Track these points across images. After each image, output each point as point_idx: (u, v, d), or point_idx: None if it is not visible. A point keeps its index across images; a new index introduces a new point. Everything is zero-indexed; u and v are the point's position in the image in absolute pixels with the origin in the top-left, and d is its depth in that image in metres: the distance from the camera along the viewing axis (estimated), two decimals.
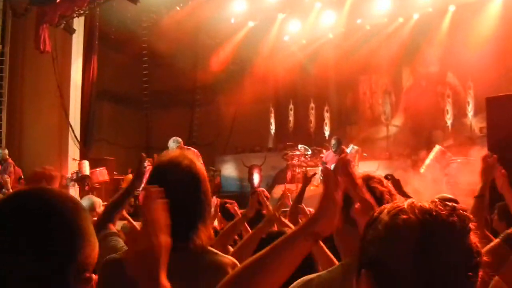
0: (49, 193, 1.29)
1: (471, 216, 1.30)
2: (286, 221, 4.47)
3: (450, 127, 16.82)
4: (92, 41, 18.64)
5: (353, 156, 14.17)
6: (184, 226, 2.32)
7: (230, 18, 19.56)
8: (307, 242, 1.67)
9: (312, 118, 19.86)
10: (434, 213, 1.27)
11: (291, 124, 20.50)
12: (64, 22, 17.00)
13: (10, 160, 14.64)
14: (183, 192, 2.35)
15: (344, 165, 1.84)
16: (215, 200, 8.09)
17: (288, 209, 6.15)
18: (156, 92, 22.08)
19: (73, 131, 17.63)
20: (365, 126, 19.23)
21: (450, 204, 1.31)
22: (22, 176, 15.38)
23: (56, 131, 17.66)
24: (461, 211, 1.29)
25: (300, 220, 5.28)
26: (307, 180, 5.47)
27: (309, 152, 17.18)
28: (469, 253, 1.26)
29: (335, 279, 2.11)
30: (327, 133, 19.08)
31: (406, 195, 5.16)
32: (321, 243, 3.11)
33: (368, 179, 2.31)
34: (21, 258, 1.18)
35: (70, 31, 17.47)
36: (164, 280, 1.41)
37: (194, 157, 2.50)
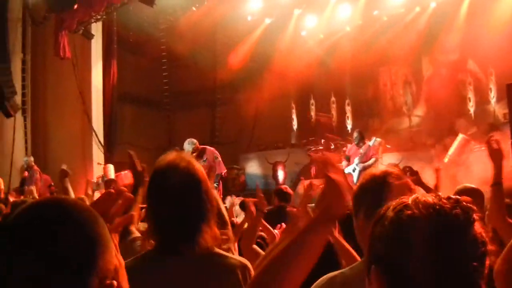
0: (65, 202, 1.29)
1: (475, 207, 1.33)
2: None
3: (473, 114, 16.63)
4: (110, 45, 18.79)
5: (376, 148, 14.09)
6: (187, 228, 2.34)
7: (246, 16, 19.56)
8: (326, 228, 1.69)
9: (334, 112, 19.79)
10: (437, 207, 1.30)
11: (313, 119, 20.44)
12: (83, 28, 17.15)
13: (35, 167, 14.80)
14: (183, 194, 2.37)
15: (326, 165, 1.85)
16: (234, 199, 8.14)
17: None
18: (177, 93, 22.15)
19: (96, 135, 17.79)
20: (387, 118, 19.13)
21: (453, 197, 1.35)
22: (52, 184, 15.62)
23: (80, 136, 17.82)
24: (464, 203, 1.32)
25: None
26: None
27: (332, 146, 17.16)
28: (474, 243, 1.28)
29: (358, 275, 2.12)
30: (349, 126, 19.00)
31: (425, 186, 5.13)
32: (344, 241, 3.13)
33: (386, 175, 2.33)
34: (42, 269, 1.18)
35: (89, 36, 17.62)
36: None
37: (192, 158, 2.50)
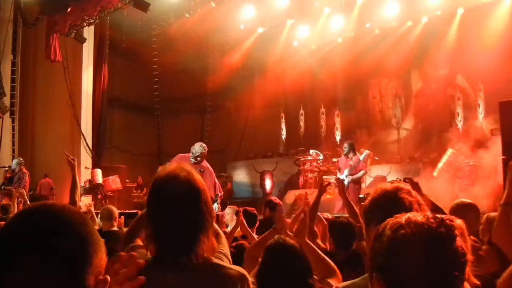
0: (54, 207, 1.35)
1: (456, 225, 1.58)
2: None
3: (460, 129, 16.76)
4: (102, 49, 18.77)
5: (365, 160, 14.14)
6: (185, 238, 2.33)
7: (239, 24, 19.61)
8: None
9: (323, 123, 19.85)
10: (426, 226, 1.55)
11: (302, 129, 20.49)
12: (75, 32, 17.12)
13: (24, 170, 14.71)
14: (182, 204, 2.35)
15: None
16: (233, 209, 8.14)
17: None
18: (167, 99, 22.14)
19: (85, 139, 17.74)
20: (375, 130, 19.22)
21: (439, 216, 1.59)
22: (53, 187, 15.67)
23: (68, 140, 17.75)
24: (448, 221, 1.57)
25: (315, 228, 5.32)
26: (322, 189, 5.48)
27: (321, 156, 17.20)
28: (455, 256, 1.53)
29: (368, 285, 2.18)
30: (338, 137, 19.07)
31: (425, 198, 5.15)
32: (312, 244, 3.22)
33: (397, 190, 2.38)
34: (40, 271, 1.25)
35: (81, 40, 17.57)
36: None
37: (192, 169, 2.48)
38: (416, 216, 1.59)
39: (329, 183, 5.96)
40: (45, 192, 16.15)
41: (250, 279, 2.45)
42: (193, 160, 10.40)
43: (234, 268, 2.46)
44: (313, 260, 3.23)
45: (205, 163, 10.86)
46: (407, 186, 2.45)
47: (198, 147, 10.85)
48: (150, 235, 2.40)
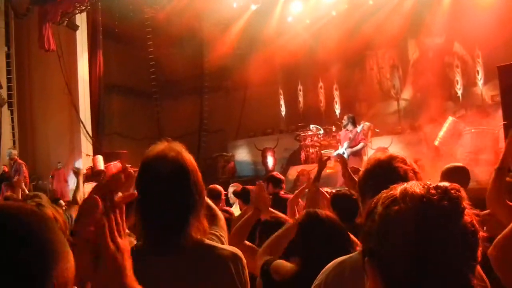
0: (7, 208, 1.18)
1: (464, 195, 1.32)
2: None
3: (460, 97, 16.70)
4: (96, 36, 18.66)
5: (365, 132, 14.12)
6: (175, 220, 2.26)
7: (232, 2, 19.44)
8: None
9: (322, 97, 19.79)
10: (425, 199, 1.29)
11: (301, 104, 20.44)
12: (67, 20, 17.01)
13: (19, 160, 14.73)
14: (171, 185, 2.28)
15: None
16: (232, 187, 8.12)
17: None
18: (164, 82, 22.09)
19: (84, 126, 17.71)
20: (375, 102, 19.14)
21: (442, 185, 1.33)
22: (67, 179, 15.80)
23: (68, 128, 17.76)
24: (453, 191, 1.31)
25: (320, 203, 5.29)
26: (322, 164, 5.43)
27: (321, 131, 17.18)
28: (464, 236, 1.28)
29: None
30: (337, 111, 19.03)
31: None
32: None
33: (391, 159, 2.33)
34: None
35: (74, 27, 17.48)
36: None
37: (182, 149, 2.39)
38: (414, 187, 1.34)
39: (329, 158, 5.92)
40: (59, 183, 16.24)
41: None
42: None
43: (226, 248, 2.39)
44: None
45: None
46: (401, 155, 2.40)
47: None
48: (139, 216, 2.34)
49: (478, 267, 2.34)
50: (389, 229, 1.30)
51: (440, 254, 1.25)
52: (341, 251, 2.87)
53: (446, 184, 1.34)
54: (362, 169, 2.48)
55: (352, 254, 2.38)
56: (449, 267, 1.26)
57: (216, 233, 2.81)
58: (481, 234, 1.31)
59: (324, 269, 2.38)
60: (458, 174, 4.73)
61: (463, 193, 1.32)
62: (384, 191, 1.41)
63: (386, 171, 2.29)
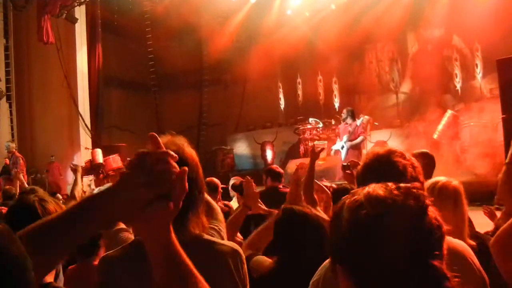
0: None
1: (425, 193, 1.36)
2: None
3: (459, 90, 16.69)
4: (95, 28, 18.63)
5: (364, 126, 14.13)
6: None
7: None
8: None
9: (321, 90, 19.77)
10: (389, 201, 1.31)
11: (300, 98, 20.43)
12: (66, 12, 16.97)
13: (17, 153, 14.73)
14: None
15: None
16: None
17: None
18: (163, 75, 22.08)
19: (83, 120, 17.71)
20: (373, 95, 19.16)
21: (403, 186, 1.35)
22: (61, 173, 15.83)
23: (67, 121, 17.75)
24: (415, 190, 1.34)
25: (316, 197, 5.26)
26: (315, 155, 5.40)
27: (320, 124, 17.18)
28: (430, 231, 1.31)
29: None
30: (336, 104, 19.02)
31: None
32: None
33: (390, 153, 2.33)
34: None
35: (73, 20, 17.46)
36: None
37: (184, 143, 2.32)
38: (377, 189, 1.35)
39: (323, 149, 5.90)
40: (54, 177, 16.24)
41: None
42: None
43: (226, 243, 2.38)
44: None
45: None
46: (400, 149, 2.40)
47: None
48: None
49: (475, 258, 2.35)
50: (359, 235, 1.31)
51: (412, 252, 1.27)
52: (318, 250, 2.87)
53: (406, 184, 1.37)
54: (361, 163, 2.48)
55: None
56: (421, 263, 1.28)
57: (216, 227, 2.80)
58: (445, 228, 1.34)
59: (322, 265, 2.37)
60: (425, 159, 4.86)
61: (423, 191, 1.35)
62: (347, 196, 1.41)
63: (385, 166, 2.29)
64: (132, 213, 1.29)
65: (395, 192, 1.33)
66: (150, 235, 1.37)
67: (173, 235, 1.42)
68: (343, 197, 1.43)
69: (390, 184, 1.36)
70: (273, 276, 3.15)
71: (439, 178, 3.34)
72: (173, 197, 1.34)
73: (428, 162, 4.74)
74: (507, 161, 3.32)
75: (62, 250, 1.34)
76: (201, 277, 1.47)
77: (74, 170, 5.97)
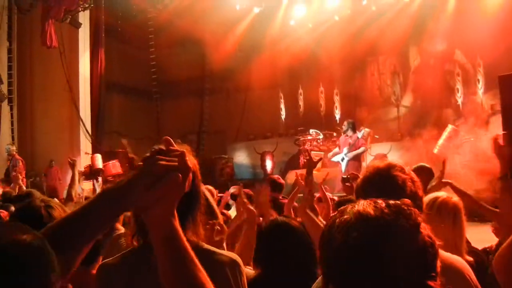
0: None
1: (417, 210, 1.32)
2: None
3: (461, 105, 16.71)
4: (98, 34, 18.67)
5: (365, 138, 14.13)
6: None
7: (235, 4, 19.53)
8: None
9: (322, 102, 19.78)
10: (381, 221, 1.28)
11: (302, 108, 20.43)
12: (70, 17, 17.04)
13: (17, 156, 14.74)
14: None
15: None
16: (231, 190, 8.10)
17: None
18: (165, 82, 22.08)
19: (84, 125, 17.71)
20: (374, 108, 19.16)
21: (393, 203, 1.33)
22: (60, 177, 15.81)
23: (67, 125, 17.75)
24: (405, 207, 1.31)
25: (316, 206, 5.23)
26: (312, 164, 5.37)
27: (321, 136, 17.18)
28: (423, 249, 1.28)
29: None
30: (337, 116, 19.02)
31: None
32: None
33: (390, 167, 2.33)
34: None
35: (76, 25, 17.50)
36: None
37: (186, 151, 2.36)
38: (367, 208, 1.32)
39: (321, 158, 5.88)
40: (52, 181, 16.22)
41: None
42: None
43: (224, 253, 2.37)
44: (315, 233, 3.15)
45: None
46: (400, 163, 2.40)
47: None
48: (134, 220, 2.33)
49: (473, 275, 2.34)
50: (352, 257, 1.28)
51: (407, 273, 1.25)
52: (302, 262, 2.85)
53: (396, 201, 1.34)
54: (360, 176, 2.48)
55: None
56: (417, 284, 1.26)
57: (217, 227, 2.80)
58: (438, 243, 1.32)
59: (315, 283, 2.36)
60: (423, 172, 4.88)
61: (413, 209, 1.32)
62: (335, 215, 1.38)
63: (385, 180, 2.29)
64: (145, 196, 1.41)
65: (386, 211, 1.29)
66: (155, 218, 1.49)
67: (177, 222, 1.54)
68: (332, 215, 1.40)
69: (379, 201, 1.33)
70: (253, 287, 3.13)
71: (439, 193, 3.36)
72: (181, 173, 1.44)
73: (428, 177, 4.78)
74: (499, 176, 3.35)
75: (87, 238, 1.49)
76: (201, 267, 1.57)
77: (72, 165, 5.94)
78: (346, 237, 1.29)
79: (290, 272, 2.78)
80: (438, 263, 1.31)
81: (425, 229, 1.30)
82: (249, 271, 3.25)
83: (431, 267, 1.28)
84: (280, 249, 3.11)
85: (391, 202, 1.33)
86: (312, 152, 15.91)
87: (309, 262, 2.95)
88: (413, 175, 2.35)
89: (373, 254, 1.25)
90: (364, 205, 1.34)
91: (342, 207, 1.39)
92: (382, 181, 2.29)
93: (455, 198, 3.30)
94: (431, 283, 1.26)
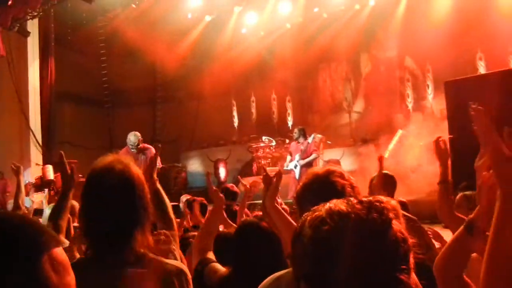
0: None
1: (389, 205, 1.32)
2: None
3: (411, 110, 17.00)
4: (48, 43, 18.35)
5: (317, 144, 14.25)
6: (119, 234, 2.25)
7: (186, 13, 19.51)
8: None
9: (275, 109, 19.88)
10: (353, 215, 1.28)
11: (254, 116, 20.47)
12: (18, 25, 16.69)
13: None
14: (116, 198, 2.26)
15: None
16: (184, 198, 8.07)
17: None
18: (117, 91, 21.85)
19: (34, 135, 17.39)
20: (327, 114, 19.34)
21: (365, 199, 1.33)
22: (9, 191, 15.40)
23: (17, 136, 17.39)
24: (377, 203, 1.31)
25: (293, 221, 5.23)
26: (268, 180, 5.37)
27: (274, 143, 17.26)
28: (395, 244, 1.27)
29: None
30: (290, 123, 19.14)
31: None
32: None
33: (328, 173, 2.36)
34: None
35: (25, 34, 17.18)
36: None
37: (130, 162, 2.39)
38: (339, 204, 1.32)
39: (279, 172, 5.87)
40: None
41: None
42: (134, 150, 10.58)
43: (171, 263, 2.37)
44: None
45: (144, 146, 11.03)
46: (339, 169, 2.43)
47: (133, 137, 11.02)
48: (83, 228, 2.31)
49: (414, 277, 2.37)
50: (322, 251, 1.27)
51: (378, 267, 1.25)
52: (272, 264, 2.88)
53: (368, 197, 1.35)
54: (300, 183, 2.50)
55: (289, 269, 2.35)
56: (388, 278, 1.25)
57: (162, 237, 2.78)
58: (411, 240, 1.31)
59: (261, 285, 2.37)
60: (385, 180, 4.97)
61: (386, 203, 1.32)
62: (308, 213, 1.38)
63: (324, 186, 2.32)
64: None
65: (358, 206, 1.29)
66: None
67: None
68: (304, 214, 1.39)
69: (352, 198, 1.34)
70: (224, 285, 3.17)
71: (379, 197, 3.39)
72: None
73: (389, 182, 4.82)
74: (438, 181, 3.41)
75: None
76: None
77: (16, 172, 5.61)
78: (317, 231, 1.29)
79: (262, 270, 2.81)
80: (411, 259, 1.31)
81: (397, 225, 1.29)
82: (220, 268, 3.29)
83: (403, 261, 1.28)
84: (252, 248, 3.18)
85: (364, 198, 1.34)
86: (267, 168, 15.94)
87: (278, 260, 2.99)
88: (353, 180, 2.38)
89: (343, 248, 1.24)
90: (335, 202, 1.34)
91: (314, 207, 1.38)
92: (321, 188, 2.31)
93: (393, 202, 3.33)
94: (402, 276, 1.26)
